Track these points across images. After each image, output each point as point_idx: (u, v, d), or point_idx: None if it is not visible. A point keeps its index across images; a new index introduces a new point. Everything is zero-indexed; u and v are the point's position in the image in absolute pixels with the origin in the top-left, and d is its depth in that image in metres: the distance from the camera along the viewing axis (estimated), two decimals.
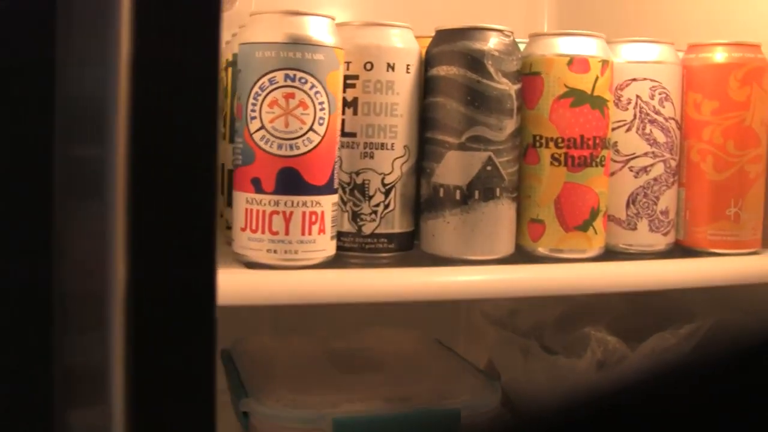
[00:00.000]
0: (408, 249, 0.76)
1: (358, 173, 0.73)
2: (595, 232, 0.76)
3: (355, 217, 0.73)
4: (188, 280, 0.40)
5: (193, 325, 0.40)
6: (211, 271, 0.40)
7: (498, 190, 0.73)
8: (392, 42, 0.73)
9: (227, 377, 0.86)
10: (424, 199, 0.75)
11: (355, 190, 0.73)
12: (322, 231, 0.70)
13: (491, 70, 0.72)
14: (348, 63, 0.72)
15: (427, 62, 0.75)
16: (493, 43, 0.72)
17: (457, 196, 0.73)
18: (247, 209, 0.69)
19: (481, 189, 0.72)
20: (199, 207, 0.39)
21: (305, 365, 0.88)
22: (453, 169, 0.73)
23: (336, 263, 0.72)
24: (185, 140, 0.39)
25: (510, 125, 0.73)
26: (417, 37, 0.77)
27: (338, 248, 0.73)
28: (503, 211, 0.74)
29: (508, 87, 0.72)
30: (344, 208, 0.73)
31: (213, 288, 0.41)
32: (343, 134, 0.73)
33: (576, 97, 0.74)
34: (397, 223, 0.74)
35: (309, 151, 0.68)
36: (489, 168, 0.73)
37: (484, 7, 1.16)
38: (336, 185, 0.71)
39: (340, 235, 0.73)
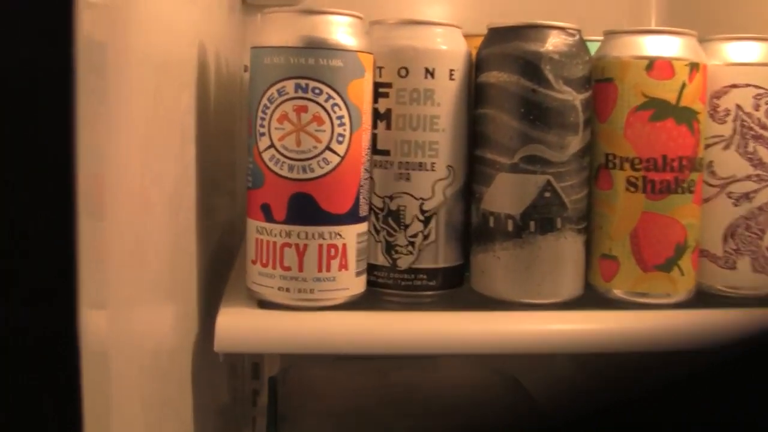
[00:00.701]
0: (455, 286, 0.64)
1: (392, 198, 0.62)
2: (681, 273, 0.63)
3: (390, 248, 0.62)
4: (29, 326, 0.30)
5: (36, 386, 0.30)
6: (65, 315, 0.30)
7: (559, 220, 0.61)
8: (432, 43, 0.62)
9: (267, 410, 0.77)
10: (473, 228, 0.63)
11: (389, 218, 0.62)
12: (343, 267, 0.59)
13: (550, 76, 0.60)
14: (380, 69, 0.62)
15: (477, 66, 0.63)
16: (552, 43, 0.60)
17: (509, 226, 0.61)
18: (257, 240, 0.60)
19: (537, 219, 0.61)
20: (49, 234, 0.29)
21: (350, 404, 0.78)
22: (504, 194, 0.61)
23: (366, 302, 0.61)
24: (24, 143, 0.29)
25: (574, 142, 0.61)
26: (471, 37, 0.65)
27: (371, 283, 0.63)
28: (566, 245, 0.61)
29: (572, 96, 0.60)
30: (377, 237, 0.63)
31: (72, 338, 0.30)
32: (376, 152, 0.62)
33: (657, 108, 0.61)
34: (440, 257, 0.63)
35: (326, 174, 0.58)
36: (547, 194, 0.60)
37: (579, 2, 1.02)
38: (364, 212, 0.60)
39: (373, 269, 0.63)
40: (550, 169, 0.60)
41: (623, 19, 1.09)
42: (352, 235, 0.60)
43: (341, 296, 0.60)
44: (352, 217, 0.60)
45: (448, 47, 0.62)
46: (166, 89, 0.51)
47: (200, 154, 0.63)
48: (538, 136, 0.60)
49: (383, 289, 0.63)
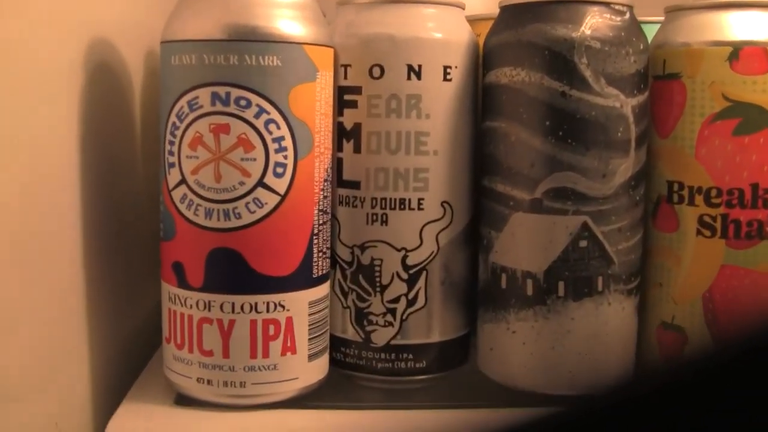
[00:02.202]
0: (456, 366, 0.46)
1: (363, 248, 0.44)
2: None
3: (361, 317, 0.45)
4: None
5: None
6: None
7: (600, 279, 0.43)
8: (418, 30, 0.43)
9: None
10: (480, 288, 0.45)
11: (360, 276, 0.44)
12: (289, 349, 0.42)
13: (587, 73, 0.41)
14: (346, 67, 0.44)
15: (484, 62, 0.44)
16: (590, 25, 0.41)
17: (529, 289, 0.43)
18: (169, 311, 0.42)
19: (569, 278, 0.42)
20: None
21: None
22: (522, 243, 0.43)
23: (331, 391, 0.44)
24: None
25: (624, 168, 0.42)
26: (478, 20, 0.47)
27: (338, 363, 0.45)
28: (611, 314, 0.43)
29: (620, 102, 0.42)
30: (345, 302, 0.45)
31: None
32: (341, 184, 0.44)
33: (744, 117, 0.43)
34: (433, 328, 0.46)
35: (258, 220, 0.41)
36: (583, 242, 0.42)
37: None
38: (320, 271, 0.43)
39: (340, 344, 0.45)
40: (588, 206, 0.42)
41: None
42: (301, 304, 0.42)
43: (287, 390, 0.43)
44: (300, 279, 0.42)
45: (443, 35, 0.44)
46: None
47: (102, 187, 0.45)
48: (571, 160, 0.42)
49: (354, 372, 0.45)
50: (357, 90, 0.44)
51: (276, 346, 0.42)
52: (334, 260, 0.45)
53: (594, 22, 0.42)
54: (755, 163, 0.43)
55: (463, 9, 0.46)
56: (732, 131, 0.43)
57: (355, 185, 0.44)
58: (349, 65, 0.44)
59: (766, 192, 0.43)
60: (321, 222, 0.43)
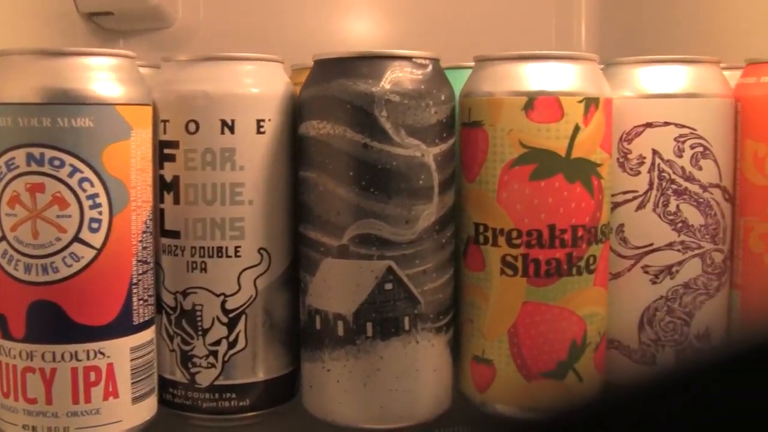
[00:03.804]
0: (283, 402, 0.49)
1: (185, 294, 0.47)
2: (580, 379, 0.48)
3: (186, 360, 0.47)
4: None
5: None
6: None
7: (407, 319, 0.46)
8: (232, 86, 0.46)
9: None
10: (301, 327, 0.48)
11: (183, 320, 0.47)
12: (111, 394, 0.45)
13: (387, 125, 0.44)
14: (165, 122, 0.46)
15: (298, 113, 0.47)
16: (390, 80, 0.45)
17: (339, 330, 0.46)
18: None
19: (376, 320, 0.45)
20: None
21: None
22: (332, 287, 0.46)
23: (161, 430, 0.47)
24: None
25: (427, 213, 0.45)
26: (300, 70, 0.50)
27: (167, 403, 0.48)
28: (419, 352, 0.46)
29: (420, 151, 0.45)
30: (171, 345, 0.47)
31: None
32: (164, 233, 0.47)
33: (540, 162, 0.46)
34: (256, 368, 0.48)
35: (75, 273, 0.43)
36: (389, 285, 0.45)
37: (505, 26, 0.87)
38: (142, 318, 0.46)
39: (168, 385, 0.48)
40: (392, 251, 0.45)
41: (550, 40, 0.93)
42: (122, 351, 0.45)
43: None
44: (120, 327, 0.45)
45: (257, 90, 0.47)
46: None
47: None
48: (374, 208, 0.45)
49: (182, 411, 0.48)
50: (175, 144, 0.47)
51: (98, 391, 0.44)
52: (161, 306, 0.48)
53: (394, 77, 0.45)
54: (552, 206, 0.46)
55: (282, 63, 0.49)
56: (529, 176, 0.46)
57: (175, 235, 0.47)
58: (168, 120, 0.47)
59: (562, 232, 0.47)
60: (141, 272, 0.46)
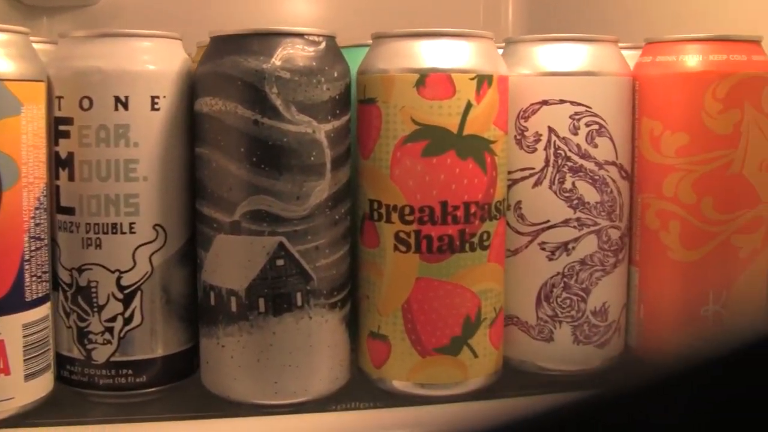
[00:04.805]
0: (181, 378, 0.50)
1: (81, 270, 0.47)
2: (474, 355, 0.48)
3: (82, 336, 0.48)
4: None
5: None
6: None
7: (299, 295, 0.46)
8: (127, 62, 0.47)
9: None
10: (198, 304, 0.49)
11: (79, 297, 0.48)
12: (3, 371, 0.45)
13: (277, 102, 0.45)
14: (59, 99, 0.47)
15: (194, 91, 0.48)
16: (281, 57, 0.45)
17: (233, 306, 0.46)
18: None
19: (268, 295, 0.46)
20: None
21: None
22: (225, 263, 0.47)
23: (51, 410, 0.48)
24: None
25: (319, 190, 0.46)
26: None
27: (65, 380, 0.48)
28: (312, 327, 0.47)
29: (312, 128, 0.46)
30: (67, 322, 0.48)
31: None
32: (60, 210, 0.47)
33: (432, 139, 0.47)
34: (154, 343, 0.49)
35: None
36: (281, 261, 0.46)
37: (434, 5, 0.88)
38: (36, 294, 0.47)
39: (65, 362, 0.49)
40: (284, 227, 0.46)
41: (478, 20, 0.93)
42: (13, 327, 0.45)
43: (4, 409, 0.45)
44: (12, 303, 0.45)
45: (152, 66, 0.47)
46: None
47: None
48: (265, 185, 0.46)
49: (80, 388, 0.49)
50: (69, 121, 0.47)
51: None
52: (57, 282, 0.48)
53: (285, 54, 0.46)
54: (443, 183, 0.47)
55: (180, 40, 0.50)
56: (421, 152, 0.47)
57: (70, 211, 0.48)
58: (62, 97, 0.47)
59: (455, 209, 0.47)
60: (33, 248, 0.46)
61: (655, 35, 0.52)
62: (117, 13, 0.84)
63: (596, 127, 0.50)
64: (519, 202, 0.51)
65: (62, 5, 0.85)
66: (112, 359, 0.48)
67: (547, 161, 0.50)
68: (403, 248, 0.48)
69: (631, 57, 0.54)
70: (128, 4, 0.87)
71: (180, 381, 0.50)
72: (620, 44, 0.53)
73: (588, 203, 0.51)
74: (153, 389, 0.49)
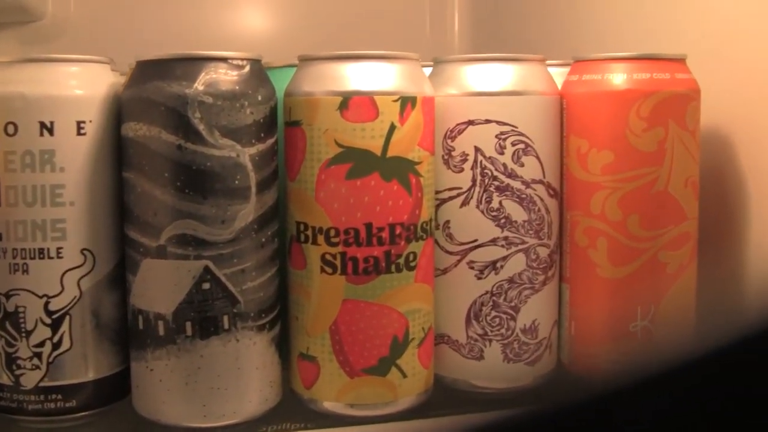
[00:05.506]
0: (109, 403, 0.50)
1: (8, 296, 0.48)
2: (403, 375, 0.49)
3: (11, 362, 0.48)
4: None
5: None
6: None
7: (226, 318, 0.47)
8: (52, 87, 0.48)
9: None
10: (128, 327, 0.49)
11: (7, 322, 0.48)
12: None
13: (200, 126, 0.46)
14: None
15: (120, 115, 0.49)
16: (204, 81, 0.46)
17: (161, 329, 0.47)
18: None
19: (194, 319, 0.47)
20: None
21: None
22: (152, 286, 0.47)
23: None
24: None
25: (244, 213, 0.47)
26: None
27: None
28: (241, 350, 0.48)
29: (235, 152, 0.46)
30: None
31: None
32: None
33: (355, 162, 0.47)
34: (85, 368, 0.49)
35: None
36: (207, 285, 0.47)
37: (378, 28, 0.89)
38: None
39: None
40: (209, 251, 0.46)
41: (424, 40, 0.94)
42: None
43: None
44: None
45: (77, 91, 0.48)
46: None
47: None
48: (190, 209, 0.46)
49: (9, 414, 0.49)
50: None
51: None
52: None
53: (208, 78, 0.46)
54: (368, 205, 0.48)
55: (108, 64, 0.50)
56: (345, 175, 0.48)
57: None
58: None
59: (380, 230, 0.48)
60: None
61: (583, 53, 0.53)
62: (61, 30, 0.85)
63: (522, 146, 0.51)
64: (447, 221, 0.52)
65: (5, 21, 0.85)
66: (41, 384, 0.49)
67: (474, 181, 0.51)
68: (329, 270, 0.49)
69: (563, 75, 0.54)
70: (72, 21, 0.88)
71: (111, 405, 0.51)
72: (557, 62, 0.54)
73: (515, 222, 0.51)
74: (83, 413, 0.50)
